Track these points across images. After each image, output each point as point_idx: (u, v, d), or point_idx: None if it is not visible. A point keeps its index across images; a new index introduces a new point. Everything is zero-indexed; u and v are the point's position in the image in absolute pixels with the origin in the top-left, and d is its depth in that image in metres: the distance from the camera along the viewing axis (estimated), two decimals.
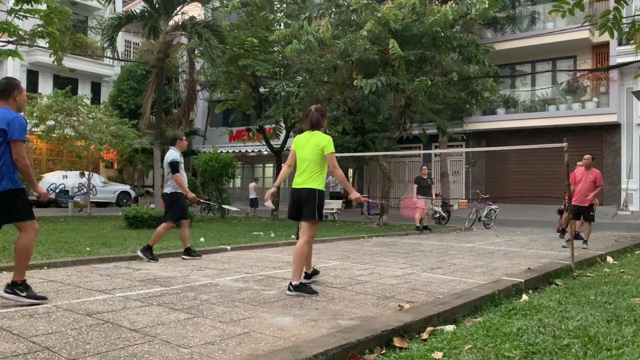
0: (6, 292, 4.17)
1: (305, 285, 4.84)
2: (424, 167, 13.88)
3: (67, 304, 4.23)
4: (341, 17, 14.67)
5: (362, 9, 13.92)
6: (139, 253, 6.87)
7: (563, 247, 9.35)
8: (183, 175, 7.22)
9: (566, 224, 10.38)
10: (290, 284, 4.77)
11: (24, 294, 4.16)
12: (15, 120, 4.08)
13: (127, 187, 24.30)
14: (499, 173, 22.24)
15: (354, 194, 5.10)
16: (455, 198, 22.70)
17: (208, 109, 30.62)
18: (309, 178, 4.87)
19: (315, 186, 4.85)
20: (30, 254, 4.28)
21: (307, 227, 4.88)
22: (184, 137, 7.51)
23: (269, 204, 5.53)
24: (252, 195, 20.47)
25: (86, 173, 18.64)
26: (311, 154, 4.88)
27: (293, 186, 4.99)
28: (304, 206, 4.85)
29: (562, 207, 12.77)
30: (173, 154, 7.18)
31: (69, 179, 20.97)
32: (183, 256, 7.26)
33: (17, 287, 4.16)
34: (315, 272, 5.47)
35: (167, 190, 7.21)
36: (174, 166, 7.06)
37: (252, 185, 21.01)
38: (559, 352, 3.13)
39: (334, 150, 4.88)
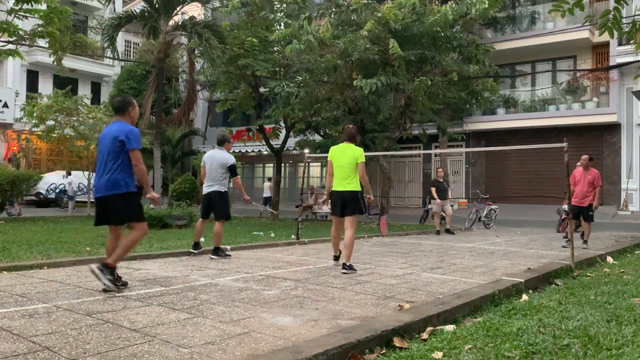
0: (99, 269, 4.56)
1: (352, 266, 6.09)
2: (440, 169, 13.74)
3: (67, 304, 4.23)
4: (341, 17, 14.67)
5: (362, 9, 13.92)
6: (212, 256, 7.26)
7: (563, 247, 9.35)
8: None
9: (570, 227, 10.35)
10: (344, 264, 6.10)
11: (109, 277, 4.58)
12: (132, 132, 4.72)
13: None
14: (499, 173, 22.23)
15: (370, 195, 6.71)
16: (455, 198, 22.70)
17: (208, 109, 30.62)
18: (349, 182, 6.22)
19: (356, 188, 6.23)
20: (131, 249, 4.84)
21: (353, 220, 6.27)
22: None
23: (325, 208, 6.33)
24: (267, 194, 21.45)
25: (72, 173, 18.78)
26: (348, 163, 6.25)
27: (336, 189, 6.32)
28: (350, 205, 6.22)
29: (562, 207, 12.79)
30: (229, 156, 7.41)
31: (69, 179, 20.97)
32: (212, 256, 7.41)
33: (108, 269, 4.57)
34: (337, 258, 6.75)
35: (220, 189, 7.34)
36: (234, 169, 7.39)
37: (267, 184, 22.10)
38: (559, 352, 3.13)
39: (364, 160, 6.29)
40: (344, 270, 6.02)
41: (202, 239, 9.23)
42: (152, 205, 13.59)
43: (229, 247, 8.33)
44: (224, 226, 7.51)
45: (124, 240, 4.81)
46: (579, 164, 9.80)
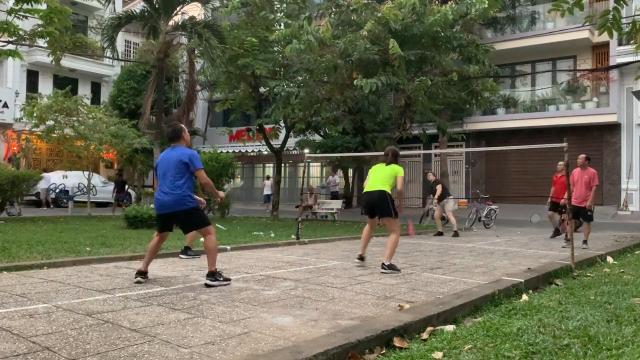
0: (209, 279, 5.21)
1: (394, 265, 6.12)
2: (430, 173, 13.25)
3: (67, 304, 4.23)
4: (341, 17, 14.67)
5: (362, 9, 13.93)
6: (182, 256, 7.28)
7: (563, 247, 9.35)
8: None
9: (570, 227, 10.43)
10: (383, 264, 6.11)
11: (221, 279, 5.23)
12: (193, 155, 5.40)
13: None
14: (499, 173, 22.23)
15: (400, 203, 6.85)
16: (456, 198, 22.69)
17: (208, 109, 30.60)
18: (381, 185, 6.44)
19: (385, 189, 6.39)
20: (215, 249, 5.34)
21: (390, 224, 6.41)
22: None
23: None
24: (268, 192, 22.39)
25: (72, 173, 18.93)
26: (387, 173, 6.55)
27: (366, 190, 6.59)
28: (377, 206, 6.45)
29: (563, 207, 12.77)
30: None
31: (69, 179, 20.98)
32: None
33: (213, 275, 5.20)
34: (362, 259, 6.84)
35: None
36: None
37: (267, 182, 23.08)
38: (559, 352, 3.13)
39: (403, 175, 6.57)
40: (383, 270, 6.05)
41: (202, 239, 9.22)
42: (152, 205, 13.60)
43: (229, 247, 8.34)
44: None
45: (205, 246, 5.45)
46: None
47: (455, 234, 12.01)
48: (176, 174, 5.30)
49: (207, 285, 5.11)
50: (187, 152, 5.42)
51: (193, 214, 5.38)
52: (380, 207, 6.43)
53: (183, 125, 5.73)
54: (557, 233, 11.20)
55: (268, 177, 24.41)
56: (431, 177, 13.05)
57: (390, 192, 6.46)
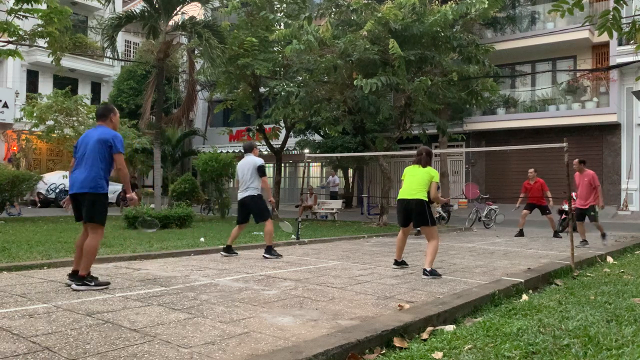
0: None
1: (435, 271, 5.93)
2: None
3: (67, 304, 4.23)
4: (341, 17, 14.66)
5: (362, 9, 13.91)
6: (265, 255, 7.37)
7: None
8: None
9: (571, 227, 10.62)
10: (425, 269, 5.92)
11: (92, 283, 4.88)
12: (117, 136, 5.02)
13: None
14: (499, 173, 22.22)
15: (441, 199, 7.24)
16: (456, 198, 22.70)
17: (208, 109, 30.61)
18: (417, 192, 6.21)
19: (422, 197, 6.18)
20: (95, 253, 5.07)
21: (428, 233, 6.19)
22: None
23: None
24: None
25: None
26: (422, 178, 6.29)
27: (401, 197, 6.37)
28: (414, 215, 6.22)
29: (562, 207, 12.81)
30: (258, 158, 7.58)
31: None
32: (222, 253, 7.63)
33: (83, 279, 4.87)
34: (401, 263, 6.68)
35: (254, 192, 7.48)
36: (263, 170, 7.54)
37: None
38: (559, 352, 3.13)
39: (438, 181, 6.39)
40: (424, 276, 5.85)
41: (201, 239, 9.22)
42: (152, 205, 13.61)
43: None
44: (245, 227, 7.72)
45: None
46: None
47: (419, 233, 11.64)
48: (98, 154, 4.92)
49: (73, 290, 4.75)
50: (111, 132, 5.04)
51: (97, 202, 4.98)
52: (418, 216, 6.18)
53: (115, 108, 5.35)
54: (521, 234, 11.89)
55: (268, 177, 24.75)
56: None
57: (427, 198, 6.21)
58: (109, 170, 5.05)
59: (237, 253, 7.69)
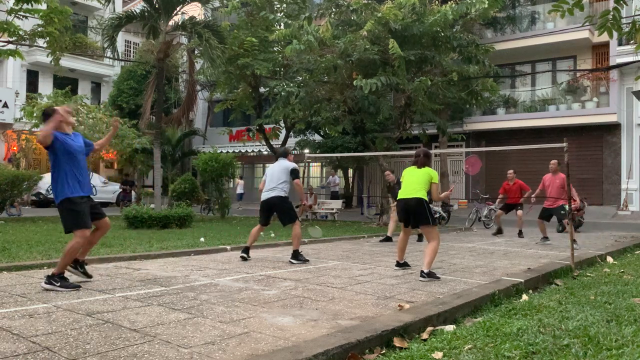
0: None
1: (433, 273, 5.83)
2: (388, 172, 11.63)
3: (67, 304, 4.23)
4: (341, 17, 14.67)
5: (362, 9, 13.92)
6: (292, 260, 6.99)
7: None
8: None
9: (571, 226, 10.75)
10: (422, 271, 5.79)
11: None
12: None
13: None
14: (499, 173, 22.20)
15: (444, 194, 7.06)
16: (456, 198, 22.70)
17: (208, 109, 30.60)
18: (417, 191, 6.15)
19: (422, 196, 6.11)
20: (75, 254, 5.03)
21: (428, 233, 6.12)
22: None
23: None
24: (240, 191, 24.99)
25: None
26: (421, 178, 6.24)
27: (401, 197, 6.31)
28: (414, 214, 6.15)
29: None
30: (292, 163, 7.46)
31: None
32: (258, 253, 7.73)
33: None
34: (403, 264, 6.62)
35: (281, 193, 7.21)
36: (297, 173, 7.42)
37: (241, 182, 25.52)
38: (559, 352, 3.13)
39: (437, 182, 6.33)
40: (422, 278, 5.72)
41: (201, 239, 9.22)
42: (152, 205, 13.59)
43: (229, 247, 8.34)
44: (258, 227, 7.51)
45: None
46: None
47: (387, 239, 10.41)
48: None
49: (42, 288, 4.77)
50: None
51: (60, 210, 4.95)
52: (417, 215, 6.10)
53: (56, 108, 5.12)
54: (500, 232, 12.24)
55: (241, 177, 26.44)
56: (390, 178, 11.27)
57: (426, 197, 6.15)
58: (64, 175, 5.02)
59: (250, 257, 7.33)
